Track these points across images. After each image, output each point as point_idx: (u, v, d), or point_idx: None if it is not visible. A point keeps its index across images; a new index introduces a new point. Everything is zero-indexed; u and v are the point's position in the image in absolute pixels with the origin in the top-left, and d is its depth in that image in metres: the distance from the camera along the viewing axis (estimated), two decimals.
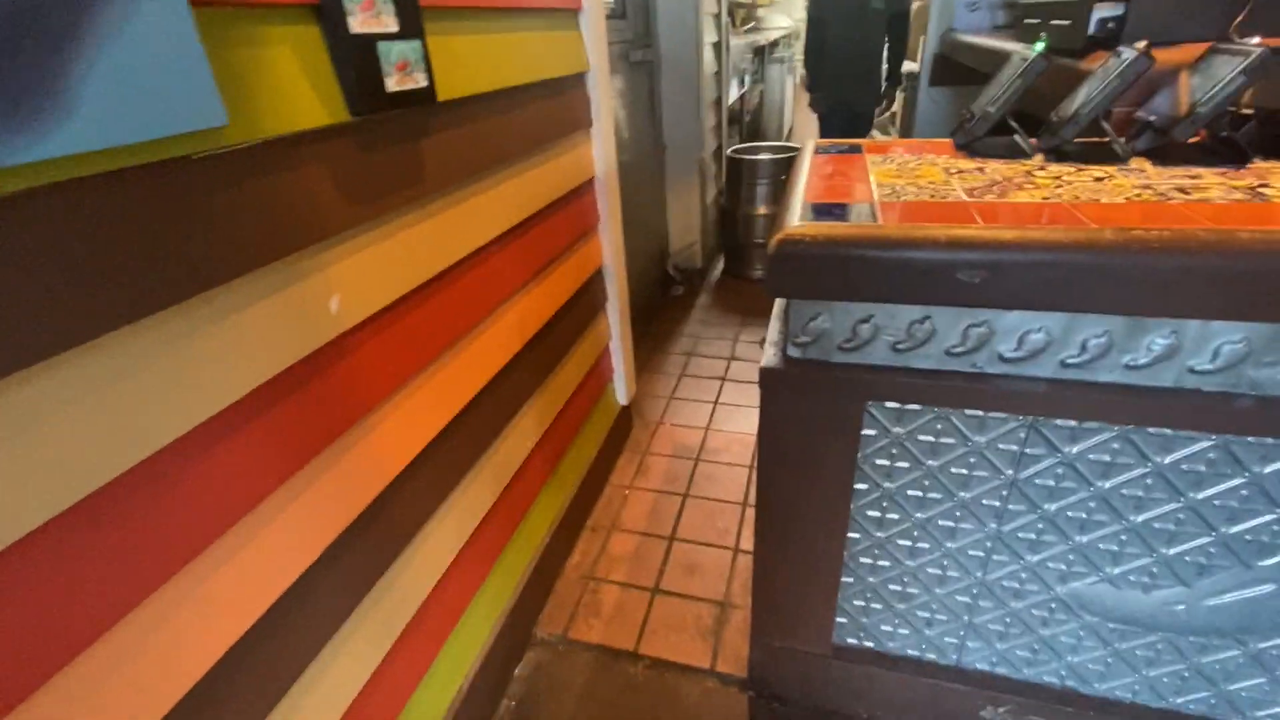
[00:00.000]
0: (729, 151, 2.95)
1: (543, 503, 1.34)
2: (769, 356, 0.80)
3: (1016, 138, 0.97)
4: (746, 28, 4.54)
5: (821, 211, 0.77)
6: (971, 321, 0.71)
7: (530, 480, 1.28)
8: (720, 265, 3.15)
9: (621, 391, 1.76)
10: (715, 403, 1.99)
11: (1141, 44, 0.89)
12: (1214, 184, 0.76)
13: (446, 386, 0.96)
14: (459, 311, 0.98)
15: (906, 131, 3.04)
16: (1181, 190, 0.74)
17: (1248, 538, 0.73)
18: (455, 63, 0.90)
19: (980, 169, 0.91)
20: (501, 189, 1.06)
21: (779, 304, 0.89)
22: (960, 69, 2.52)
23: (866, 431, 0.80)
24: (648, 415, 1.94)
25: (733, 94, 3.93)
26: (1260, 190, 0.73)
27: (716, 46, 2.87)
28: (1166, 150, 0.89)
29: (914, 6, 3.67)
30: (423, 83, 0.77)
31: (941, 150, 1.05)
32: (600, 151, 1.45)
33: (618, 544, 1.47)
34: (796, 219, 0.74)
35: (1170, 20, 1.04)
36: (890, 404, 0.77)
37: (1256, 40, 0.81)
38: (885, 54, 2.94)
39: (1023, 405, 0.72)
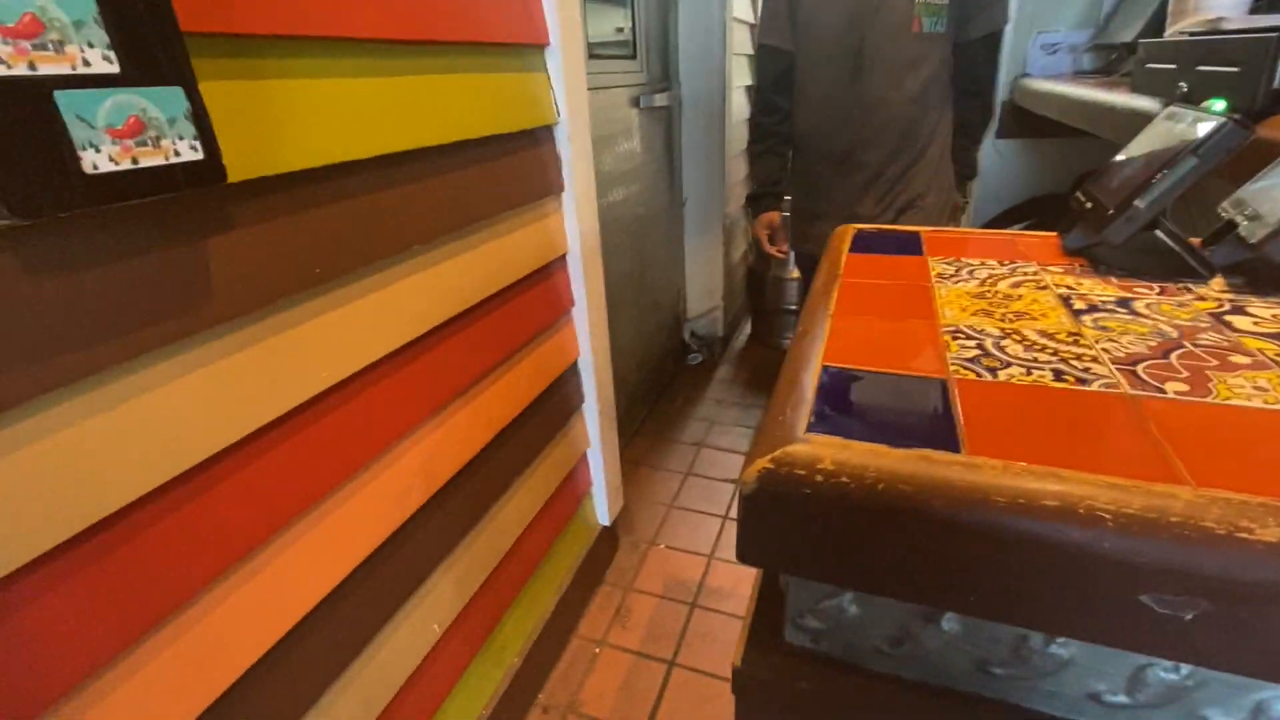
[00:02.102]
0: None
1: (473, 678, 1.00)
2: (744, 647, 0.45)
3: (1177, 247, 0.61)
4: None
5: (848, 399, 0.42)
6: (1156, 663, 0.35)
7: (456, 651, 0.94)
8: (746, 331, 2.80)
9: (603, 509, 1.41)
10: (724, 517, 1.62)
11: None
12: None
13: (316, 553, 0.65)
14: (321, 460, 0.66)
15: (968, 191, 2.66)
16: None
17: None
18: (313, 117, 0.60)
19: (1126, 300, 0.55)
20: (396, 289, 0.75)
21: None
22: (1035, 119, 2.15)
23: None
24: (639, 531, 1.59)
25: None
26: None
27: (749, 91, 2.57)
28: None
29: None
30: (189, 155, 0.47)
31: (1045, 254, 0.69)
32: (576, 222, 1.14)
33: None
34: (801, 423, 0.39)
35: None
36: None
37: None
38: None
39: None
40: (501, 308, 0.98)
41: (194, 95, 0.47)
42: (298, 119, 0.59)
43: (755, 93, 1.54)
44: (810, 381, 0.44)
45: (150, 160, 0.45)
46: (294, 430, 0.64)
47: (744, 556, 0.38)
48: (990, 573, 0.34)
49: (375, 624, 0.78)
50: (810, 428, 0.38)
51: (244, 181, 0.54)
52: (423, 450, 0.83)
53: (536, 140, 1.02)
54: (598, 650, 1.26)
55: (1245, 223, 0.58)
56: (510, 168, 0.95)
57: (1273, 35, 0.69)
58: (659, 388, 2.30)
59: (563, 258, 1.15)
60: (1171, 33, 1.02)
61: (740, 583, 1.41)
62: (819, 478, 0.35)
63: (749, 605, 0.49)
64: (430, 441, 0.84)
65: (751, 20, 2.45)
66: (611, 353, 1.37)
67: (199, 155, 0.48)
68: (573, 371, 1.25)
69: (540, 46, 0.99)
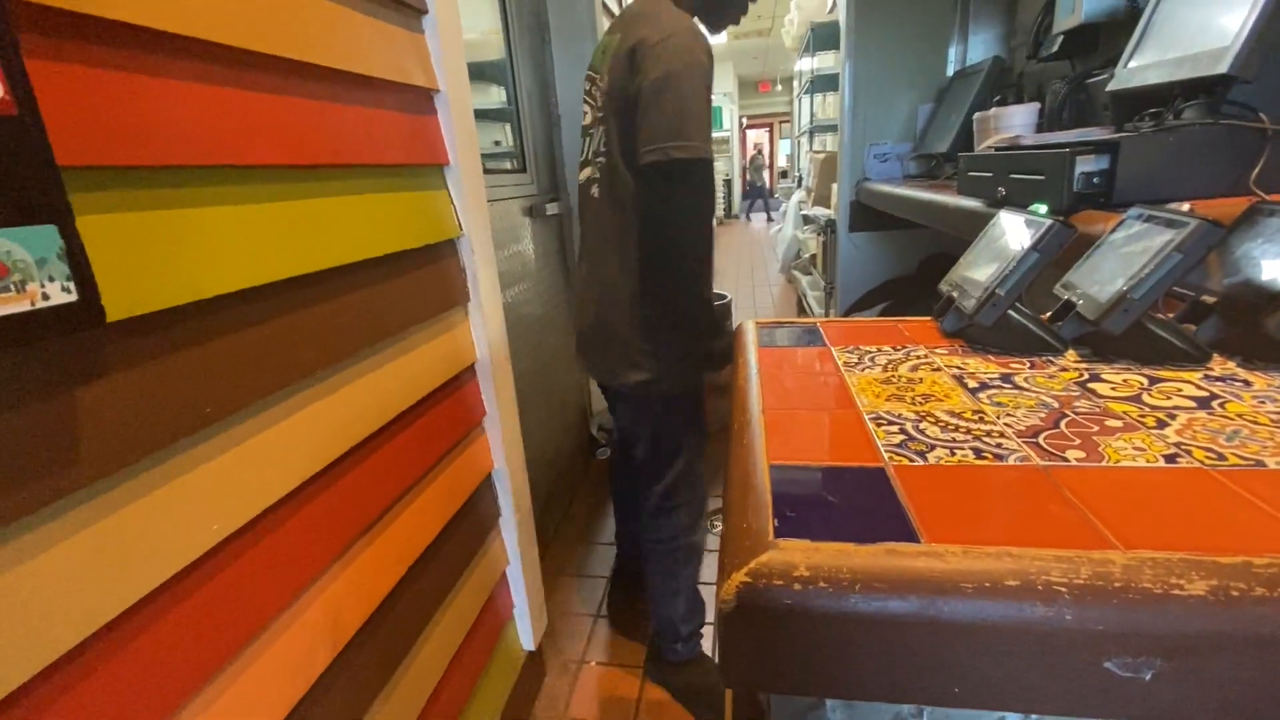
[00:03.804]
0: None
1: None
2: None
3: (1029, 324, 0.71)
4: None
5: (802, 498, 0.43)
6: None
7: None
8: None
9: (526, 632, 1.31)
10: None
11: (1185, 206, 0.67)
12: None
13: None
14: (212, 629, 0.56)
15: (833, 279, 2.96)
16: None
17: None
18: (205, 246, 0.56)
19: (1007, 376, 0.62)
20: (297, 419, 0.69)
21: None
22: (878, 214, 2.48)
23: None
24: (566, 649, 1.48)
25: None
26: None
27: None
28: (1247, 343, 0.64)
29: (819, 158, 3.81)
30: (61, 297, 0.41)
31: (928, 337, 0.77)
32: (483, 329, 1.12)
33: None
34: (767, 528, 0.39)
35: (1163, 175, 0.86)
36: None
37: None
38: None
39: None
40: (411, 426, 0.93)
41: (69, 232, 0.42)
42: (189, 249, 0.55)
43: (704, 219, 1.15)
44: (763, 483, 0.44)
45: (11, 307, 0.39)
46: (177, 599, 0.54)
47: (730, 680, 0.37)
48: (968, 659, 0.34)
49: None
50: (777, 533, 0.39)
51: (127, 320, 0.49)
52: (328, 600, 0.73)
53: (441, 254, 1.01)
54: None
55: (1080, 302, 0.69)
56: (416, 282, 0.93)
57: (1067, 150, 0.85)
58: (571, 488, 2.24)
59: (471, 367, 1.12)
60: (983, 148, 1.24)
61: None
62: (796, 585, 0.35)
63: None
64: (336, 588, 0.75)
65: None
66: (523, 458, 1.33)
67: (72, 297, 0.42)
68: (487, 485, 1.19)
69: (440, 166, 1.01)
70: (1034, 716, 0.38)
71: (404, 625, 0.90)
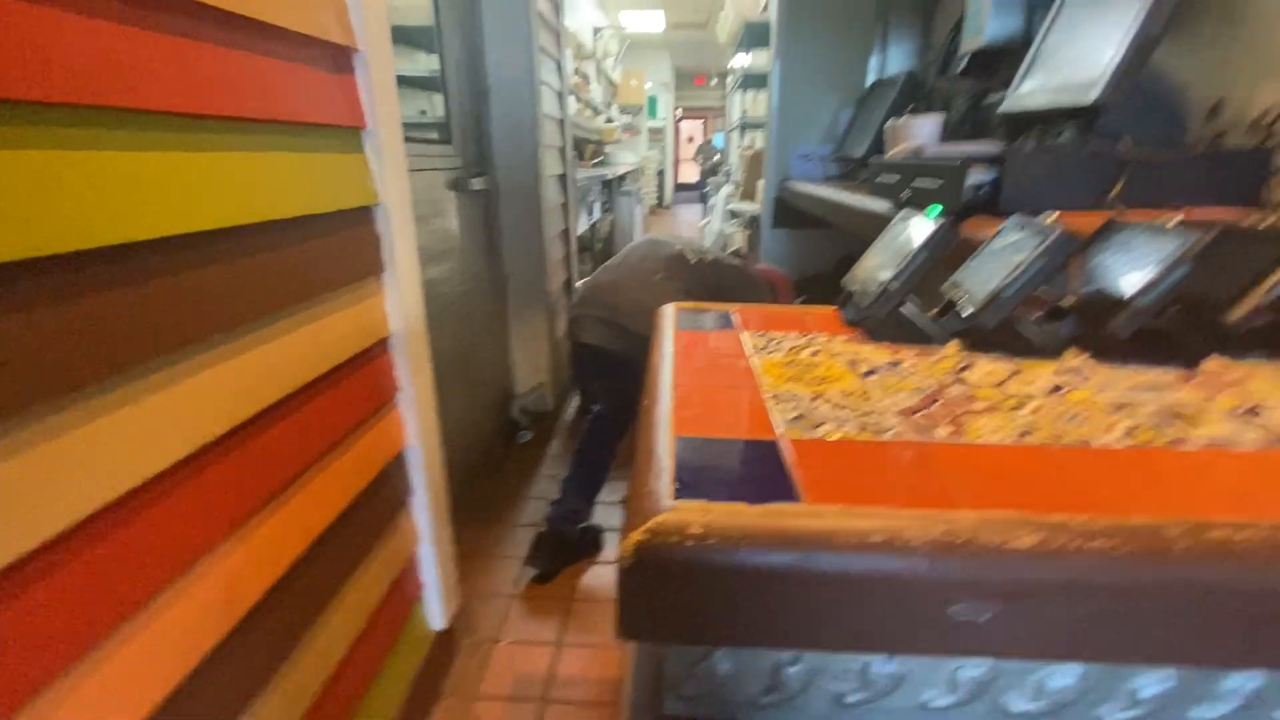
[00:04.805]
0: (579, 284, 2.75)
1: None
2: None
3: (918, 318, 0.77)
4: (595, 161, 4.62)
5: (701, 466, 0.46)
6: (964, 664, 0.42)
7: None
8: (575, 404, 2.83)
9: (437, 612, 1.29)
10: (570, 599, 1.58)
11: (1053, 215, 0.75)
12: (1191, 401, 0.57)
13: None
14: (87, 604, 0.52)
15: None
16: (1174, 415, 0.54)
17: None
18: (88, 192, 0.52)
19: (895, 363, 0.68)
20: (190, 384, 0.65)
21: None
22: (799, 213, 2.58)
23: None
24: (480, 629, 1.47)
25: (583, 224, 3.86)
26: (1256, 414, 0.55)
27: (562, 179, 2.73)
28: (1095, 342, 0.73)
29: (748, 154, 3.92)
30: None
31: (830, 326, 0.83)
32: (398, 302, 1.09)
33: None
34: (666, 491, 0.42)
35: (1041, 189, 0.96)
36: None
37: (1180, 219, 0.68)
38: None
39: None
40: (317, 398, 0.89)
41: None
42: (66, 195, 0.51)
43: None
44: (667, 452, 0.47)
45: None
46: (47, 570, 0.50)
47: (626, 632, 0.39)
48: (838, 607, 0.38)
49: None
50: (676, 495, 0.41)
51: None
52: (224, 572, 0.70)
53: (354, 220, 0.97)
54: None
55: (962, 299, 0.76)
56: (326, 249, 0.89)
57: (958, 162, 0.93)
58: (489, 470, 2.21)
59: (385, 341, 1.09)
60: (891, 155, 1.32)
61: (591, 665, 1.37)
62: (690, 542, 0.37)
63: (625, 690, 0.49)
64: (233, 561, 0.72)
65: (559, 116, 2.63)
66: (440, 437, 1.30)
67: None
68: (399, 462, 1.16)
69: (356, 129, 0.97)
70: (894, 659, 0.42)
71: (305, 602, 0.87)
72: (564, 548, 1.69)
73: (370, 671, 1.05)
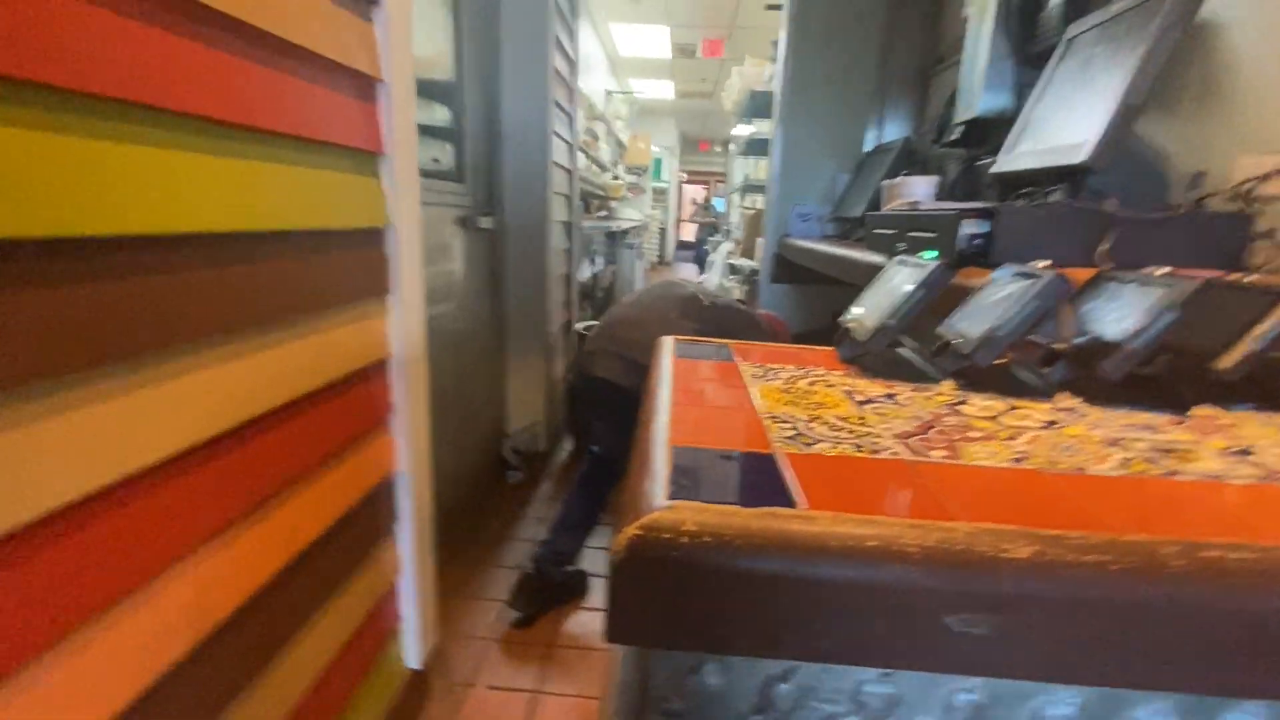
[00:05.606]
0: (578, 326, 2.78)
1: None
2: None
3: (914, 358, 0.78)
4: (600, 214, 4.75)
5: (697, 472, 0.46)
6: (962, 686, 0.41)
7: None
8: (569, 447, 2.81)
9: (413, 649, 1.24)
10: (552, 645, 1.52)
11: (1045, 263, 0.77)
12: (1183, 440, 0.58)
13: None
14: (49, 601, 0.50)
15: None
16: (1167, 452, 0.54)
17: None
18: (102, 180, 0.53)
19: (891, 395, 0.68)
20: (183, 383, 0.65)
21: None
22: (797, 268, 2.64)
23: None
24: (455, 671, 1.41)
25: (585, 272, 3.93)
26: (1248, 454, 0.55)
27: (567, 225, 2.80)
28: (1087, 386, 0.74)
29: (749, 214, 4.04)
30: None
31: (826, 362, 0.84)
32: (401, 325, 1.10)
33: None
34: (662, 491, 0.41)
35: (1032, 243, 0.99)
36: None
37: (1168, 270, 0.71)
38: None
39: None
40: (310, 411, 0.89)
41: None
42: (91, 181, 0.52)
43: None
44: (663, 459, 0.47)
45: None
46: (6, 563, 0.49)
47: (614, 634, 0.38)
48: (831, 615, 0.37)
49: None
50: (670, 496, 0.41)
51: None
52: (196, 580, 0.68)
53: (365, 241, 1.00)
54: None
55: (957, 340, 0.77)
56: (335, 264, 0.91)
57: (953, 214, 0.96)
58: (476, 507, 2.17)
59: (384, 362, 1.09)
60: (887, 209, 1.37)
61: (570, 716, 1.30)
62: (685, 539, 0.37)
63: (606, 703, 0.47)
64: (207, 569, 0.70)
65: (568, 166, 2.72)
66: (430, 467, 1.29)
67: None
68: (387, 487, 1.14)
69: (374, 154, 1.00)
70: (887, 680, 0.41)
71: (278, 621, 0.84)
72: (548, 590, 1.64)
73: (339, 703, 1.00)
